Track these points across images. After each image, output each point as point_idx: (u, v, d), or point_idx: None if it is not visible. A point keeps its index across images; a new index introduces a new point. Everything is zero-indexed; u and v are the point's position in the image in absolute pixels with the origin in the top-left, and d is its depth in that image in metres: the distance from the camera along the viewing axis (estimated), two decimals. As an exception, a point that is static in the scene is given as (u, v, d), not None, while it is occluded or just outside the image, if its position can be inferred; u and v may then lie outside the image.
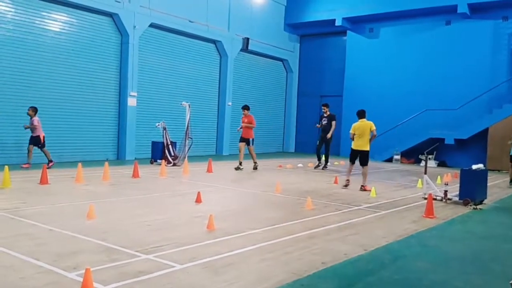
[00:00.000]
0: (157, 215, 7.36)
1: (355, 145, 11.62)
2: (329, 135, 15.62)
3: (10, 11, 13.79)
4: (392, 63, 22.27)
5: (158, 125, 15.17)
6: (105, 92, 16.40)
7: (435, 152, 19.58)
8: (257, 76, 23.64)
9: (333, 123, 15.69)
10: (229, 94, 21.19)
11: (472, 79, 20.10)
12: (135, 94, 16.95)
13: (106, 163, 11.72)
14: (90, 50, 15.79)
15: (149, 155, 15.95)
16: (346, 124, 20.36)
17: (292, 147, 26.03)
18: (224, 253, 5.35)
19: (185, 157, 14.64)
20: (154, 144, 15.66)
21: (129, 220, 6.91)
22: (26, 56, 14.14)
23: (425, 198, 9.41)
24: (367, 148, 11.54)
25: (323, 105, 16.24)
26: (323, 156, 16.28)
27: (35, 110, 13.02)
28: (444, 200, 9.85)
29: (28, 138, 13.09)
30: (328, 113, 15.98)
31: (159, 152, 15.23)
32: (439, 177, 13.79)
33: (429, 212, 8.23)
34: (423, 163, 10.81)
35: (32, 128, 12.87)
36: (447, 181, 11.74)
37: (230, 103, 21.17)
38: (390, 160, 21.20)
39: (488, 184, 10.32)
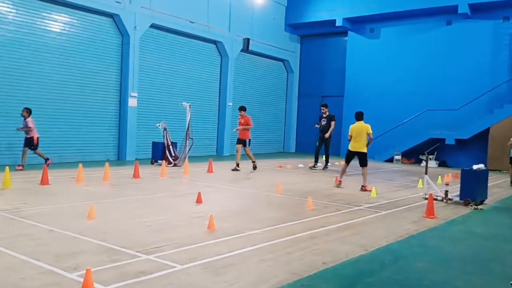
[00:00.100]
0: (157, 216, 7.36)
1: (352, 147, 11.67)
2: (327, 135, 15.63)
3: (11, 12, 13.81)
4: (393, 63, 22.27)
5: (159, 125, 15.18)
6: (105, 93, 16.41)
7: (435, 152, 19.59)
8: (257, 76, 23.65)
9: (332, 123, 15.70)
10: (229, 95, 21.20)
11: (472, 79, 20.09)
12: (136, 94, 16.96)
13: (107, 163, 11.72)
14: (90, 51, 15.81)
15: (150, 156, 15.96)
16: (347, 124, 20.25)
17: (293, 148, 26.03)
18: (225, 253, 5.35)
19: (185, 158, 14.64)
20: (154, 144, 15.67)
21: (130, 221, 6.91)
22: (27, 56, 14.16)
23: (426, 198, 9.41)
24: (364, 150, 11.56)
25: (322, 106, 16.26)
26: (324, 156, 16.28)
27: (29, 111, 12.81)
28: (444, 200, 9.85)
29: (20, 139, 12.95)
30: (327, 113, 15.99)
31: (159, 153, 15.24)
32: (439, 177, 13.77)
33: (429, 212, 8.23)
34: (423, 163, 10.80)
35: (28, 129, 12.71)
36: (447, 181, 11.73)
37: (230, 104, 21.18)
38: (390, 160, 21.19)
39: (489, 184, 10.33)
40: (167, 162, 14.54)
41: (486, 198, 9.95)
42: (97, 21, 16.03)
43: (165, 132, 15.14)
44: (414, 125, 20.84)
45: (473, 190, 9.42)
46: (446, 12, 20.60)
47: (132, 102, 16.86)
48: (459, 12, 19.84)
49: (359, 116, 11.78)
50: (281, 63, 25.37)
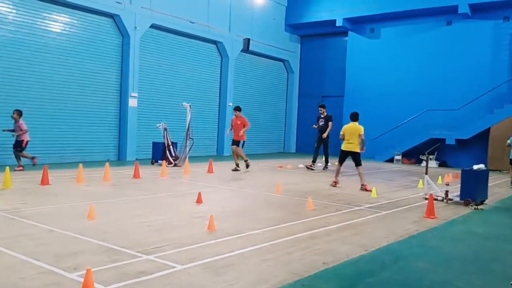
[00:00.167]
0: (157, 216, 7.36)
1: (344, 147, 11.70)
2: (325, 135, 15.63)
3: (12, 12, 13.82)
4: (393, 64, 22.28)
5: (159, 125, 15.18)
6: (106, 93, 16.42)
7: (436, 153, 19.58)
8: (258, 76, 23.65)
9: (330, 123, 15.70)
10: (230, 95, 21.20)
11: (473, 79, 20.10)
12: (136, 95, 16.96)
13: (107, 163, 11.72)
14: (91, 51, 15.82)
15: (150, 156, 15.96)
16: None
17: (293, 148, 26.04)
18: (225, 253, 5.35)
19: (186, 158, 14.64)
20: (155, 144, 15.68)
21: (130, 221, 6.91)
22: (27, 57, 14.17)
23: (426, 199, 9.40)
24: (357, 149, 11.56)
25: (320, 106, 16.25)
26: (323, 157, 16.28)
27: (20, 113, 12.64)
28: (445, 200, 9.84)
29: (12, 140, 12.94)
30: (325, 114, 15.99)
31: (160, 153, 15.24)
32: (440, 177, 13.76)
33: (430, 212, 8.22)
34: (424, 164, 10.80)
35: (23, 132, 12.57)
36: (448, 182, 11.73)
37: (230, 104, 21.17)
38: (391, 160, 21.19)
39: (489, 185, 10.32)
40: (167, 162, 14.53)
41: (487, 198, 9.94)
42: (97, 21, 16.04)
43: (165, 132, 15.14)
44: (414, 125, 20.85)
45: (473, 190, 9.41)
46: (446, 12, 20.60)
47: (132, 102, 16.86)
48: (459, 12, 19.84)
49: (354, 117, 11.82)
50: (281, 63, 25.38)
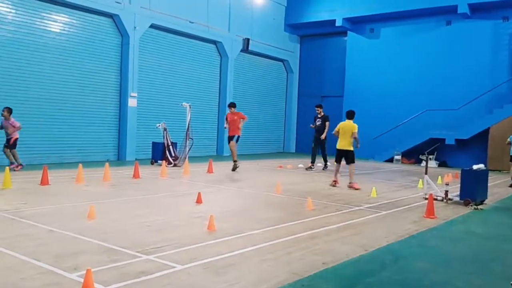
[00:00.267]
0: (157, 216, 7.36)
1: (339, 145, 11.87)
2: (323, 136, 15.64)
3: (11, 12, 13.81)
4: (393, 64, 22.28)
5: (159, 125, 15.18)
6: (105, 93, 16.41)
7: (435, 152, 19.59)
8: (257, 76, 23.65)
9: (327, 123, 15.70)
10: (229, 95, 21.19)
11: (472, 79, 20.10)
12: (136, 94, 16.96)
13: (107, 163, 11.72)
14: (90, 51, 15.81)
15: (150, 156, 15.95)
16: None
17: (293, 148, 26.04)
18: (225, 253, 5.35)
19: (185, 158, 14.64)
20: (154, 144, 15.67)
21: (130, 221, 6.91)
22: (27, 57, 14.16)
23: (426, 198, 9.41)
24: (351, 148, 11.72)
25: (317, 106, 16.24)
26: (321, 157, 16.26)
27: (10, 111, 12.47)
28: (444, 200, 9.85)
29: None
30: (321, 114, 15.99)
31: (159, 153, 15.24)
32: (439, 177, 13.77)
33: (429, 212, 8.23)
34: (423, 163, 10.81)
35: (17, 129, 12.43)
36: (447, 181, 11.73)
37: (230, 104, 21.17)
38: (390, 160, 21.20)
39: (489, 184, 10.33)
40: (167, 162, 14.54)
41: (486, 198, 9.95)
42: (96, 21, 16.03)
43: (165, 132, 15.14)
44: (414, 125, 20.86)
45: (473, 190, 9.42)
46: (445, 12, 20.61)
47: (132, 102, 16.86)
48: (458, 12, 19.85)
49: (349, 115, 11.98)
50: (281, 63, 25.38)
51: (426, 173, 10.19)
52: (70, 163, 14.59)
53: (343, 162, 11.99)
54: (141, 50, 17.32)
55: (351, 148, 11.72)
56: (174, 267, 4.78)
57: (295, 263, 5.12)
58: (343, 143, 11.73)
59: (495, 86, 19.45)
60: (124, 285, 4.22)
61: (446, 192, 9.90)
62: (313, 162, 16.08)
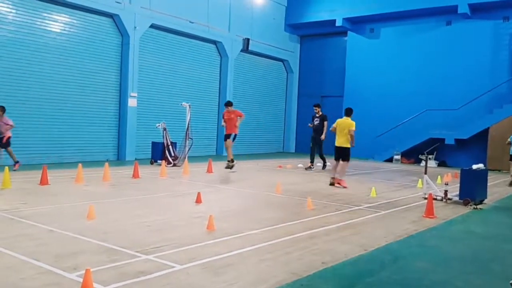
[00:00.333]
0: (157, 216, 7.36)
1: (337, 142, 11.99)
2: (323, 137, 15.67)
3: (11, 12, 13.81)
4: (393, 64, 22.28)
5: (158, 125, 15.18)
6: (105, 93, 16.42)
7: (435, 152, 19.59)
8: (257, 76, 23.65)
9: (325, 123, 15.71)
10: (229, 95, 21.18)
11: (472, 79, 20.10)
12: (136, 94, 16.96)
13: (106, 163, 11.72)
14: (90, 51, 15.81)
15: (149, 156, 15.95)
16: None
17: (293, 148, 26.04)
18: (224, 253, 5.35)
19: (185, 158, 14.64)
20: (154, 144, 15.67)
21: (129, 221, 6.92)
22: (27, 57, 14.16)
23: (425, 198, 9.41)
24: (347, 145, 11.83)
25: (315, 105, 16.26)
26: (319, 157, 16.24)
27: (3, 109, 12.34)
28: (444, 200, 9.85)
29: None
30: (320, 113, 16.01)
31: (159, 153, 15.24)
32: (439, 177, 13.78)
33: (429, 212, 8.24)
34: (423, 163, 10.81)
35: (10, 127, 12.29)
36: (447, 181, 11.73)
37: (230, 104, 21.18)
38: (390, 160, 21.20)
39: (488, 184, 10.32)
40: (166, 162, 14.54)
41: (486, 197, 9.95)
42: (97, 21, 16.03)
43: (164, 132, 15.14)
44: (413, 125, 20.86)
45: (472, 189, 9.42)
46: (446, 12, 20.60)
47: (131, 102, 16.86)
48: (459, 12, 19.84)
49: (347, 112, 12.16)
50: (281, 63, 25.38)
51: (425, 173, 10.19)
52: (69, 163, 14.59)
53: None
54: (141, 50, 17.32)
55: (348, 146, 11.83)
56: (173, 267, 4.79)
57: (294, 263, 5.12)
58: (340, 140, 11.87)
59: (495, 86, 19.45)
60: (123, 285, 4.22)
61: (446, 192, 9.91)
62: (312, 162, 16.08)
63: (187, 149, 15.10)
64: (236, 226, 6.82)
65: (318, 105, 16.22)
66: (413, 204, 9.54)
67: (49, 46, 14.69)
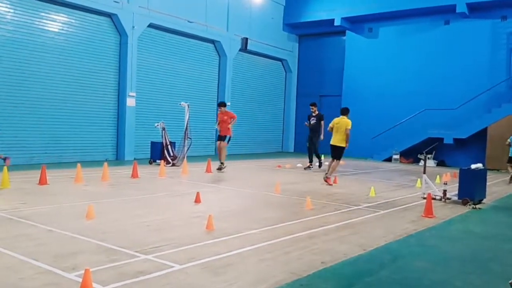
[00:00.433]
0: (156, 216, 7.36)
1: (332, 141, 12.13)
2: (322, 137, 15.69)
3: (10, 12, 13.78)
4: (391, 63, 22.29)
5: (157, 125, 15.17)
6: (104, 93, 16.39)
7: (434, 152, 19.59)
8: (256, 76, 23.65)
9: (322, 123, 15.73)
10: (228, 94, 21.19)
11: (471, 79, 20.12)
12: (134, 94, 16.94)
13: (105, 163, 11.71)
14: (89, 51, 15.79)
15: (148, 156, 15.95)
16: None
17: (291, 147, 26.04)
18: (223, 253, 5.35)
19: (184, 157, 14.63)
20: (153, 144, 15.66)
21: (129, 221, 6.91)
22: (26, 57, 14.12)
23: (424, 198, 9.42)
24: (343, 144, 11.97)
25: (311, 105, 16.27)
26: (315, 156, 16.25)
27: None
28: (443, 199, 9.86)
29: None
30: (316, 112, 16.02)
31: (158, 152, 15.23)
32: (438, 176, 13.79)
33: (428, 211, 8.24)
34: (422, 163, 10.83)
35: None
36: (446, 181, 11.73)
37: (229, 103, 21.11)
38: (389, 159, 21.22)
39: (487, 184, 10.32)
40: (165, 162, 14.53)
41: (485, 197, 9.95)
42: (95, 20, 16.01)
43: (163, 131, 15.13)
44: (412, 124, 20.87)
45: (471, 189, 9.43)
46: (444, 12, 20.62)
47: (130, 102, 16.84)
48: (457, 11, 19.85)
49: (343, 111, 12.28)
50: (280, 62, 25.37)
51: (424, 173, 10.20)
52: (68, 162, 14.58)
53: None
54: (140, 49, 17.30)
55: (343, 145, 11.96)
56: (173, 266, 4.78)
57: (294, 263, 5.12)
58: (336, 139, 12.02)
59: (493, 85, 19.47)
60: (123, 285, 4.22)
61: (445, 191, 9.92)
62: (311, 161, 16.09)
63: (186, 148, 15.08)
64: (236, 226, 6.81)
65: (314, 104, 16.24)
66: (412, 204, 9.55)
67: (47, 46, 14.67)
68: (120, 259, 4.95)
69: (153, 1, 17.54)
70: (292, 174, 14.40)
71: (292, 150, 25.82)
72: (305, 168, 15.95)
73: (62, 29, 15.09)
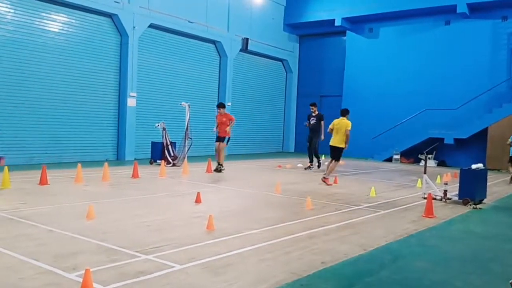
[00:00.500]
0: (156, 216, 7.36)
1: (332, 141, 12.19)
2: (322, 138, 15.69)
3: (10, 12, 13.79)
4: (392, 63, 22.29)
5: (158, 125, 15.17)
6: (104, 93, 16.40)
7: (434, 152, 19.59)
8: (256, 76, 23.65)
9: (322, 123, 15.73)
10: (228, 95, 21.20)
11: (471, 79, 20.11)
12: (135, 94, 16.95)
13: (106, 163, 11.71)
14: (89, 51, 15.79)
15: (149, 156, 15.95)
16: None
17: (292, 147, 26.04)
18: (224, 253, 5.35)
19: (184, 158, 14.63)
20: (153, 144, 15.66)
21: (129, 221, 6.91)
22: (26, 57, 14.13)
23: (425, 198, 9.42)
24: (342, 145, 12.04)
25: (311, 105, 16.27)
26: (315, 156, 16.25)
27: None
28: (443, 199, 9.85)
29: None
30: (316, 112, 16.02)
31: (158, 153, 15.23)
32: (438, 176, 13.78)
33: (428, 211, 8.24)
34: (422, 163, 10.83)
35: None
36: (446, 181, 11.73)
37: (229, 103, 21.15)
38: (389, 159, 21.21)
39: (488, 184, 10.32)
40: (166, 162, 14.54)
41: (485, 197, 9.95)
42: (95, 21, 16.01)
43: (164, 132, 15.13)
44: (413, 124, 20.87)
45: (472, 189, 9.42)
46: (444, 12, 20.61)
47: (131, 102, 16.85)
48: (457, 11, 19.85)
49: (343, 112, 12.37)
50: (280, 63, 25.37)
51: (425, 173, 10.20)
52: (69, 162, 14.58)
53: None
54: (140, 49, 17.31)
55: (342, 146, 12.02)
56: (173, 266, 4.78)
57: (294, 263, 5.12)
58: (335, 140, 12.07)
59: (494, 85, 19.47)
60: (123, 285, 4.22)
61: (445, 191, 9.91)
62: (311, 161, 16.09)
63: (186, 149, 15.08)
64: (236, 226, 6.81)
65: (314, 104, 16.24)
66: (412, 204, 9.55)
67: (47, 46, 14.67)
68: (121, 259, 4.95)
69: (153, 2, 17.55)
70: (293, 174, 14.40)
71: (293, 150, 25.82)
72: (305, 168, 15.95)
73: (63, 29, 15.09)
